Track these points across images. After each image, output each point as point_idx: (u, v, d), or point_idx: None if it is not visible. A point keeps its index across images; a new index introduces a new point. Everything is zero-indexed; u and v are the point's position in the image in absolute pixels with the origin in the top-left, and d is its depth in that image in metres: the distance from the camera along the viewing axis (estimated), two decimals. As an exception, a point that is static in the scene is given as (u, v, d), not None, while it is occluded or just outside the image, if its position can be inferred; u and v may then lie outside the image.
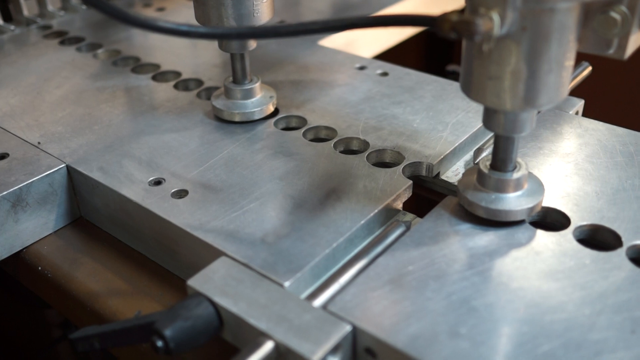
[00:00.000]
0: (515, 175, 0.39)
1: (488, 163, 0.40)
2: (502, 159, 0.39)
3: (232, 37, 0.34)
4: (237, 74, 0.51)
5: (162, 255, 0.43)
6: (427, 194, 0.49)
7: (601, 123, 0.50)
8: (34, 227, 0.46)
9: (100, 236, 0.47)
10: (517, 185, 0.39)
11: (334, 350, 0.32)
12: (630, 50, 0.35)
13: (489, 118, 0.37)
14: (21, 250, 0.46)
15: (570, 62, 0.34)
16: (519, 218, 0.39)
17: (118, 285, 0.43)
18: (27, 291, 0.69)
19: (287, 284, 0.35)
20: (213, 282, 0.35)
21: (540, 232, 0.38)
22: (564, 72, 0.34)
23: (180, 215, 0.41)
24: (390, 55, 0.76)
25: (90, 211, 0.48)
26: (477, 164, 0.40)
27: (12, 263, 0.47)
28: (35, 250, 0.46)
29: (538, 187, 0.40)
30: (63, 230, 0.48)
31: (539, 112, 0.52)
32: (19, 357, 0.78)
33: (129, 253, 0.45)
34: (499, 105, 0.35)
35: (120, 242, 0.46)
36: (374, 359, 0.33)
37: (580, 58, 0.59)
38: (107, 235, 0.47)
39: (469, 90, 0.36)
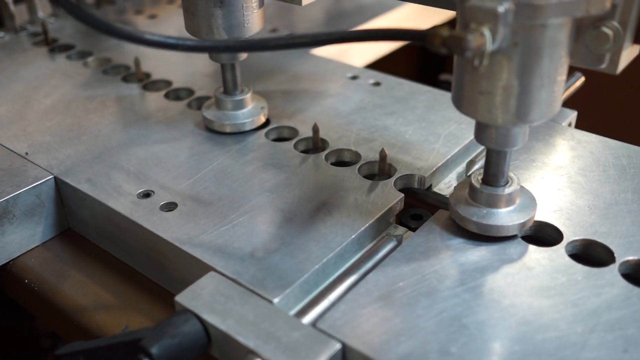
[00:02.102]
0: (507, 190, 0.38)
1: (480, 177, 0.39)
2: (493, 173, 0.38)
3: (220, 50, 0.34)
4: (228, 84, 0.51)
5: (150, 269, 0.43)
6: (420, 206, 0.49)
7: (594, 135, 0.49)
8: (21, 239, 0.45)
9: (89, 248, 0.46)
10: (509, 201, 0.39)
11: (323, 369, 0.31)
12: (622, 65, 0.35)
13: (481, 132, 0.37)
14: (7, 263, 0.45)
15: (562, 77, 0.34)
16: (510, 233, 0.38)
17: (105, 298, 0.42)
18: (14, 302, 0.68)
19: (276, 300, 0.35)
20: (201, 299, 0.35)
21: (532, 248, 0.38)
22: (556, 86, 0.34)
23: (169, 229, 0.40)
24: (382, 64, 0.76)
25: (78, 223, 0.47)
26: (469, 177, 0.40)
27: (-2, 276, 0.46)
28: (22, 262, 0.45)
29: (530, 201, 0.40)
30: (51, 242, 0.47)
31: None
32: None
33: (117, 266, 0.45)
34: (491, 120, 0.35)
35: (109, 255, 0.46)
36: (363, 377, 0.32)
37: (574, 68, 0.59)
38: (95, 247, 0.46)
39: (461, 105, 0.36)
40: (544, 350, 0.31)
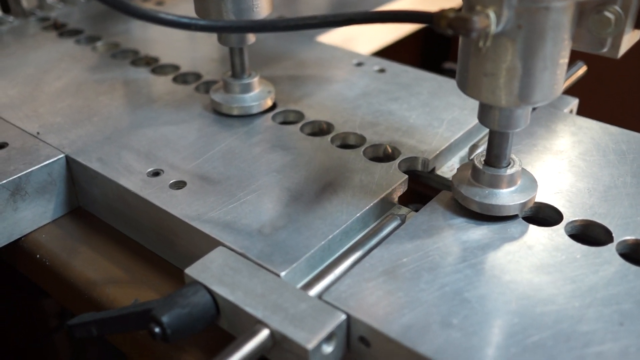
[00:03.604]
0: (509, 171, 0.39)
1: (482, 159, 0.40)
2: (496, 154, 0.39)
3: (232, 30, 0.35)
4: (236, 68, 0.52)
5: (160, 245, 0.44)
6: (423, 189, 0.50)
7: (595, 122, 0.50)
8: (33, 216, 0.46)
9: (99, 226, 0.47)
10: (511, 181, 0.40)
11: (328, 338, 0.32)
12: (623, 49, 0.35)
13: (484, 114, 0.38)
14: (20, 239, 0.46)
15: (564, 60, 0.35)
16: (512, 213, 0.39)
17: (116, 274, 0.43)
18: (24, 280, 0.70)
19: (283, 273, 0.36)
20: (210, 271, 0.36)
21: (532, 227, 0.39)
22: (559, 69, 0.35)
23: (178, 206, 0.41)
24: (387, 53, 0.77)
25: (88, 201, 0.48)
26: (472, 159, 0.41)
27: (11, 251, 0.47)
28: (34, 238, 0.46)
29: (531, 183, 0.41)
30: (61, 220, 0.48)
31: (533, 110, 0.52)
32: (16, 347, 0.79)
33: (127, 243, 0.46)
34: (494, 102, 0.36)
35: (119, 232, 0.47)
36: (367, 347, 0.33)
37: (576, 57, 0.60)
38: (106, 225, 0.47)
39: (465, 87, 0.36)
40: (542, 323, 0.32)
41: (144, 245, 0.45)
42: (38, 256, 0.45)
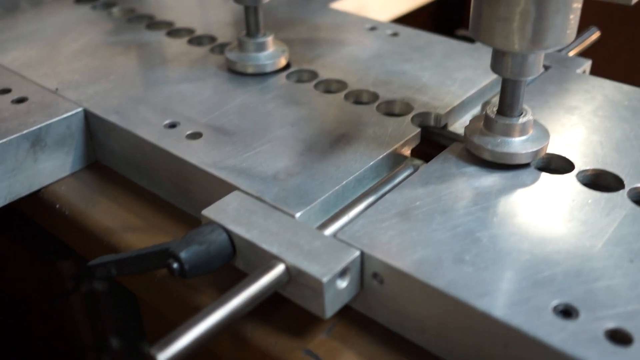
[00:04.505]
0: (522, 119, 0.40)
1: (495, 109, 0.41)
2: (508, 103, 0.40)
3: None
4: (251, 27, 0.53)
5: (176, 195, 0.45)
6: (434, 152, 0.50)
7: (608, 81, 0.51)
8: (52, 168, 0.47)
9: (116, 179, 0.48)
10: (523, 130, 0.40)
11: (343, 273, 0.33)
12: (637, -4, 0.36)
13: (497, 61, 0.38)
14: (39, 190, 0.47)
15: (577, 4, 0.35)
16: (524, 161, 0.40)
17: (133, 222, 0.44)
18: (40, 242, 0.71)
19: (298, 214, 0.36)
20: (227, 212, 0.37)
21: (544, 175, 0.40)
22: (572, 14, 0.35)
23: (195, 155, 0.42)
24: (399, 22, 0.77)
25: (106, 155, 0.49)
26: (484, 111, 0.41)
27: (31, 203, 0.48)
28: (53, 190, 0.47)
29: (543, 133, 0.41)
30: (80, 173, 0.49)
31: (546, 70, 0.53)
32: (30, 309, 0.80)
33: (143, 194, 0.47)
34: (507, 47, 0.36)
35: (135, 185, 0.48)
36: (380, 284, 0.34)
37: (589, 23, 0.60)
38: (123, 178, 0.48)
39: (478, 33, 0.37)
40: (553, 260, 0.33)
41: (160, 196, 0.46)
42: (57, 206, 0.46)
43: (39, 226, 0.52)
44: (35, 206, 0.48)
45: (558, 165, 0.41)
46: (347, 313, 0.36)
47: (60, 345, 0.82)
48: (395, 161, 0.43)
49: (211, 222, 0.36)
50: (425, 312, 0.33)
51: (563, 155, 0.42)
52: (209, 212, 0.37)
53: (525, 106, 0.41)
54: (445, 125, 0.48)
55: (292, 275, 0.33)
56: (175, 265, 0.34)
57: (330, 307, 0.33)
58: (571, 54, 0.57)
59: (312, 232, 0.35)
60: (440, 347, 0.33)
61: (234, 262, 0.37)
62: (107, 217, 0.45)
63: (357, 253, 0.34)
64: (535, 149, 0.40)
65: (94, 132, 0.49)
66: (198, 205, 0.43)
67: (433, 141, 0.49)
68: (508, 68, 0.38)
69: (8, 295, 0.83)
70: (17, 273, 0.78)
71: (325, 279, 0.32)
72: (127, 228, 0.43)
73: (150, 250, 0.37)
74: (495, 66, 0.39)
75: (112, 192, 0.47)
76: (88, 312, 0.78)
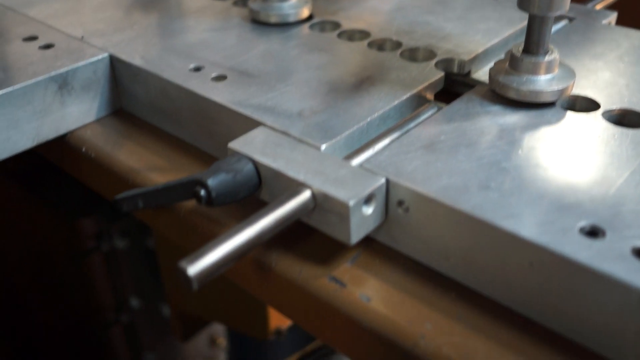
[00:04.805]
0: (548, 57, 0.40)
1: (520, 48, 0.41)
2: (535, 40, 0.40)
3: None
4: (274, -23, 0.53)
5: (200, 137, 0.45)
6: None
7: (634, 30, 0.50)
8: (79, 112, 0.48)
9: (141, 124, 0.49)
10: (549, 68, 0.40)
11: (368, 200, 0.33)
12: None
13: (524, -3, 0.38)
14: (65, 135, 0.48)
15: None
16: (549, 99, 0.40)
17: (158, 162, 0.44)
18: (62, 199, 0.72)
19: (323, 147, 0.37)
20: (253, 144, 0.37)
21: (570, 113, 0.39)
22: (601, -55, 0.35)
23: (220, 95, 0.43)
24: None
25: (130, 101, 0.50)
26: (509, 51, 0.41)
27: (57, 148, 0.49)
28: (79, 134, 0.48)
29: (569, 72, 0.41)
30: (105, 119, 0.50)
31: (570, 22, 0.52)
32: (51, 268, 0.82)
33: (168, 138, 0.47)
34: (535, -21, 0.36)
35: (160, 130, 0.48)
36: (405, 213, 0.34)
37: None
38: (147, 124, 0.49)
39: (506, -34, 0.37)
40: (578, 188, 0.33)
41: (183, 139, 0.47)
42: (83, 150, 0.47)
43: (61, 185, 0.52)
44: (61, 151, 0.49)
45: (583, 105, 0.41)
46: (370, 244, 0.36)
47: (78, 304, 0.83)
48: (419, 103, 0.43)
49: (237, 153, 0.37)
50: (451, 238, 0.33)
51: (589, 96, 0.41)
52: (235, 144, 0.37)
53: (551, 45, 0.40)
54: (469, 73, 0.47)
55: (318, 201, 0.34)
56: (202, 192, 0.35)
57: (356, 233, 0.33)
58: (598, 7, 0.57)
59: (338, 161, 0.35)
60: (465, 272, 0.33)
61: (259, 194, 0.37)
62: (132, 158, 0.45)
63: (383, 180, 0.34)
64: (560, 87, 0.39)
65: (119, 78, 0.49)
66: (222, 146, 0.44)
67: (456, 93, 0.49)
68: (535, 3, 0.38)
69: (28, 253, 0.84)
70: (37, 230, 0.79)
71: (352, 203, 0.32)
72: (152, 168, 0.44)
73: (177, 182, 0.37)
74: (523, 2, 0.38)
75: (137, 136, 0.48)
76: (108, 272, 0.79)
